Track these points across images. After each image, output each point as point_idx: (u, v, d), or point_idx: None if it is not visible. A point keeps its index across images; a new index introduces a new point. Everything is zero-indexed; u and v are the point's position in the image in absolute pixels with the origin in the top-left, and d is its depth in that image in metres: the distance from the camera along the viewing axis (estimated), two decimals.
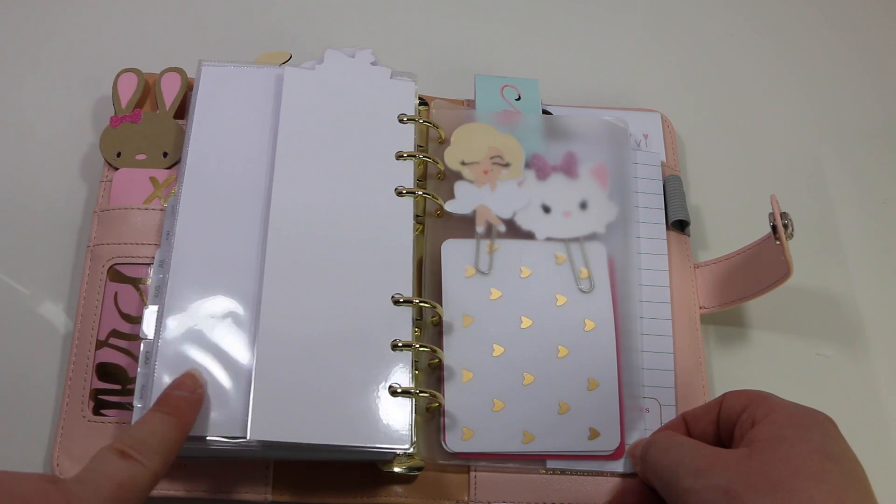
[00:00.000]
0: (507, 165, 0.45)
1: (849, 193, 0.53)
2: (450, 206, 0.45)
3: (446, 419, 0.41)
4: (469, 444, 0.40)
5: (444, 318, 0.42)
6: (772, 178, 0.53)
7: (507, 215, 0.45)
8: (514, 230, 0.45)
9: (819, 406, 0.45)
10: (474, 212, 0.45)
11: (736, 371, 0.47)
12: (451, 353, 0.42)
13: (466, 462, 0.41)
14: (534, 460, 0.41)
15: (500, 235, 0.45)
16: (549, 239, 0.45)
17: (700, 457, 0.33)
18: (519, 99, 0.49)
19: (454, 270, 0.44)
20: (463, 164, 0.45)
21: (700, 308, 0.46)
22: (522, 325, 0.43)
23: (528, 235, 0.45)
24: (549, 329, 0.43)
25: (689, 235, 0.48)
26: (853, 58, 0.59)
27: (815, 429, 0.32)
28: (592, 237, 0.45)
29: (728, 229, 0.50)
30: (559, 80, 0.54)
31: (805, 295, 0.50)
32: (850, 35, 0.60)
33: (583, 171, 0.47)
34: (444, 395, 0.41)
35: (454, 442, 0.40)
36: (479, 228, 0.45)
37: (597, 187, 0.46)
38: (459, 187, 0.45)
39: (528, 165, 0.46)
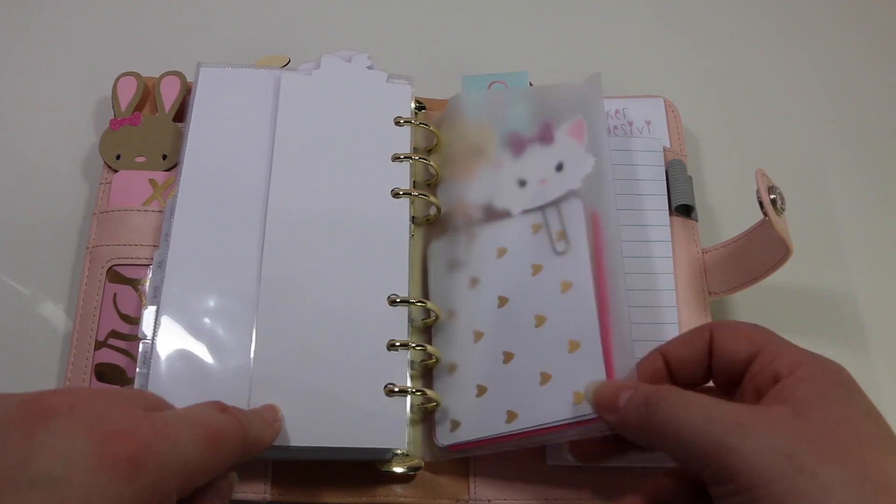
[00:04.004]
0: (480, 153, 0.45)
1: (849, 193, 0.53)
2: (433, 211, 0.45)
3: (436, 414, 0.40)
4: (456, 434, 0.39)
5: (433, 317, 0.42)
6: (771, 178, 0.53)
7: (482, 201, 0.44)
8: (491, 213, 0.44)
9: None
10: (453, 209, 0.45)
11: None
12: (438, 350, 0.42)
13: (458, 454, 0.40)
14: (527, 440, 0.38)
15: (479, 223, 0.44)
16: (524, 212, 0.43)
17: (737, 413, 0.28)
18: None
19: (437, 269, 0.44)
20: (445, 165, 0.45)
21: (710, 294, 0.45)
22: (499, 305, 0.41)
23: (505, 214, 0.43)
24: (524, 301, 0.40)
25: (696, 220, 0.47)
26: (856, 57, 0.59)
27: (854, 388, 0.30)
28: (570, 195, 0.42)
29: (738, 220, 0.49)
30: (560, 76, 0.54)
31: (805, 295, 0.49)
32: (852, 34, 0.60)
33: (559, 135, 0.44)
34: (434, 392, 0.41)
35: (443, 435, 0.40)
36: (459, 221, 0.44)
37: (574, 145, 0.43)
38: (441, 191, 0.46)
39: (506, 145, 0.45)
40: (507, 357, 0.40)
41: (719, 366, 0.33)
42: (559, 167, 0.43)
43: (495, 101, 0.47)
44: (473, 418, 0.39)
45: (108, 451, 0.25)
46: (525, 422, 0.37)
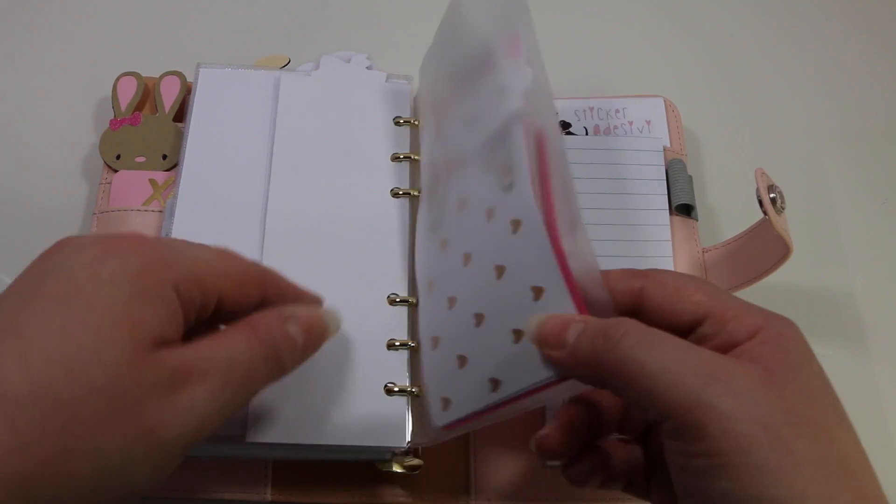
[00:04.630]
0: (437, 108, 0.42)
1: (849, 193, 0.53)
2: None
3: (428, 395, 0.37)
4: (449, 413, 0.35)
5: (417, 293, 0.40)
6: (771, 177, 0.53)
7: (445, 156, 0.40)
8: (451, 165, 0.40)
9: None
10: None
11: None
12: (421, 325, 0.39)
13: (456, 432, 0.36)
14: (520, 405, 0.33)
15: (444, 180, 0.40)
16: (475, 152, 0.38)
17: (713, 362, 0.25)
18: None
19: (421, 241, 0.41)
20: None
21: None
22: (464, 263, 0.36)
23: (462, 162, 0.39)
24: (484, 253, 0.35)
25: (696, 220, 0.47)
26: (856, 56, 0.59)
27: (811, 356, 0.27)
28: (512, 119, 0.35)
29: (738, 219, 0.50)
30: (560, 74, 0.54)
31: (805, 295, 0.49)
32: (852, 34, 0.60)
33: (499, 60, 0.38)
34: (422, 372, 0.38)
35: (438, 415, 0.36)
36: (429, 184, 0.42)
37: (513, 63, 0.37)
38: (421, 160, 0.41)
39: (455, 90, 0.41)
40: (479, 319, 0.35)
41: (653, 322, 0.28)
42: (500, 91, 0.37)
43: (437, 55, 0.44)
44: (462, 392, 0.35)
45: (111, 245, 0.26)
46: (508, 388, 0.33)
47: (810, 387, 0.26)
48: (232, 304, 0.30)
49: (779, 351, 0.26)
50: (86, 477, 0.23)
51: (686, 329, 0.28)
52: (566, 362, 0.28)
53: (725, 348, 0.27)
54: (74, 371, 0.23)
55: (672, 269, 0.45)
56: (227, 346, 0.28)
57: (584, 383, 0.29)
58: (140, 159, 0.47)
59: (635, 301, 0.30)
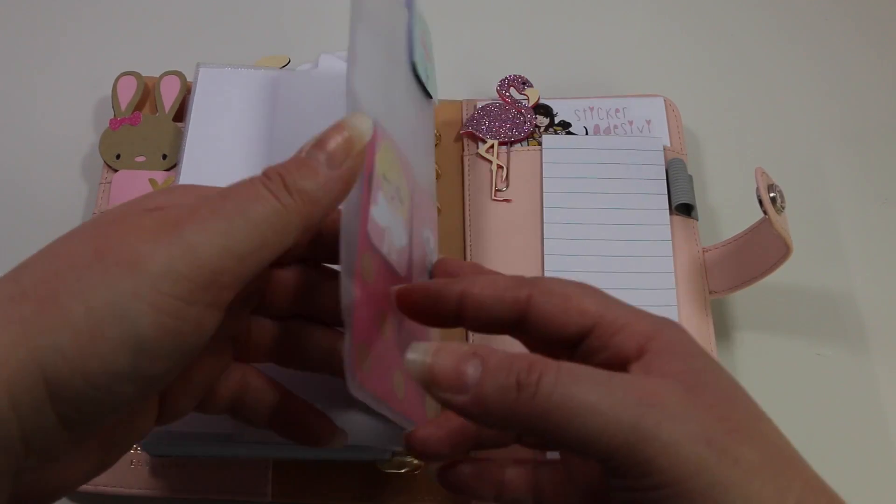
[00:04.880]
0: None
1: (849, 193, 0.53)
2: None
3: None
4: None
5: None
6: (772, 177, 0.53)
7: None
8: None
9: (819, 406, 0.46)
10: None
11: (736, 371, 0.47)
12: None
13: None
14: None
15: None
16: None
17: (640, 388, 0.23)
18: (424, 33, 0.43)
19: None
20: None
21: (711, 293, 0.45)
22: None
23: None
24: None
25: (696, 219, 0.47)
26: (857, 56, 0.59)
27: (706, 354, 0.26)
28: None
29: (738, 219, 0.49)
30: (560, 74, 0.54)
31: (805, 295, 0.49)
32: (852, 34, 0.60)
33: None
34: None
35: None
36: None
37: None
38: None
39: None
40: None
41: (538, 334, 0.27)
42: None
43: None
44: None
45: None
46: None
47: (724, 388, 0.25)
48: None
49: (677, 359, 0.25)
50: (79, 314, 0.23)
51: (573, 341, 0.27)
52: (471, 411, 0.24)
53: (616, 361, 0.26)
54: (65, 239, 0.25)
55: (672, 268, 0.45)
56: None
57: (488, 427, 0.25)
58: (140, 159, 0.47)
59: (522, 310, 0.27)
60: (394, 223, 0.30)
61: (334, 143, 0.28)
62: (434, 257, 0.38)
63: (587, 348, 0.26)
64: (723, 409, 0.24)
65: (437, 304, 0.28)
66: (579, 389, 0.23)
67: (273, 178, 0.26)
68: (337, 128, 0.29)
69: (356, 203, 0.27)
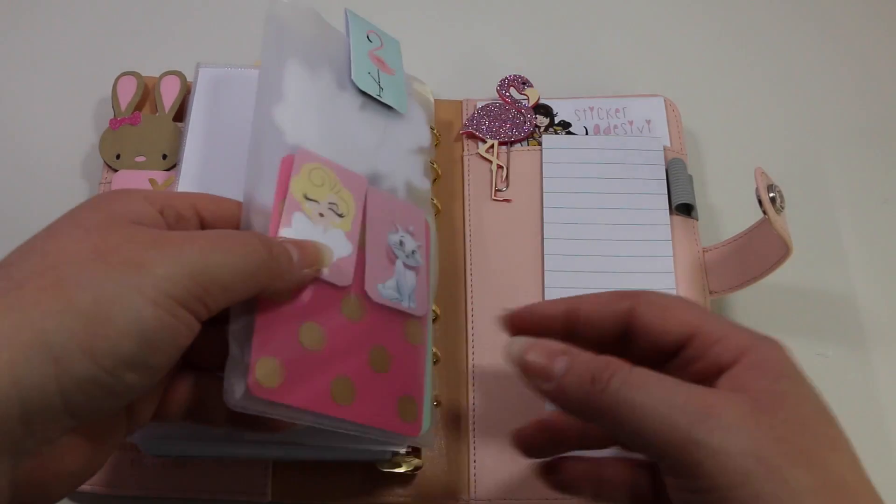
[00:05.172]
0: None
1: (849, 193, 0.53)
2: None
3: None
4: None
5: None
6: (771, 177, 0.53)
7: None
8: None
9: None
10: None
11: None
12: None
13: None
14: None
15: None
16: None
17: (703, 398, 0.26)
18: (381, 48, 0.47)
19: None
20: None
21: (711, 293, 0.45)
22: None
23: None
24: None
25: (696, 219, 0.47)
26: (857, 56, 0.59)
27: (801, 377, 0.27)
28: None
29: (738, 219, 0.50)
30: (560, 74, 0.54)
31: (805, 295, 0.49)
32: (852, 34, 0.60)
33: None
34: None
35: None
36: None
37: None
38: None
39: None
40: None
41: (641, 344, 0.29)
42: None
43: None
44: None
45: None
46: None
47: (800, 412, 0.26)
48: (210, 216, 0.32)
49: (765, 377, 0.26)
50: (86, 302, 0.24)
51: (672, 350, 0.29)
52: (554, 397, 0.28)
53: (711, 371, 0.27)
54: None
55: (672, 268, 0.45)
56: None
57: (568, 414, 0.29)
58: (140, 159, 0.47)
59: (625, 321, 0.30)
60: (324, 237, 0.35)
61: (310, 252, 0.33)
62: (420, 256, 0.38)
63: (684, 358, 0.29)
64: (786, 431, 0.25)
65: (541, 324, 0.32)
66: (644, 391, 0.26)
67: (266, 245, 0.30)
68: (310, 242, 0.34)
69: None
